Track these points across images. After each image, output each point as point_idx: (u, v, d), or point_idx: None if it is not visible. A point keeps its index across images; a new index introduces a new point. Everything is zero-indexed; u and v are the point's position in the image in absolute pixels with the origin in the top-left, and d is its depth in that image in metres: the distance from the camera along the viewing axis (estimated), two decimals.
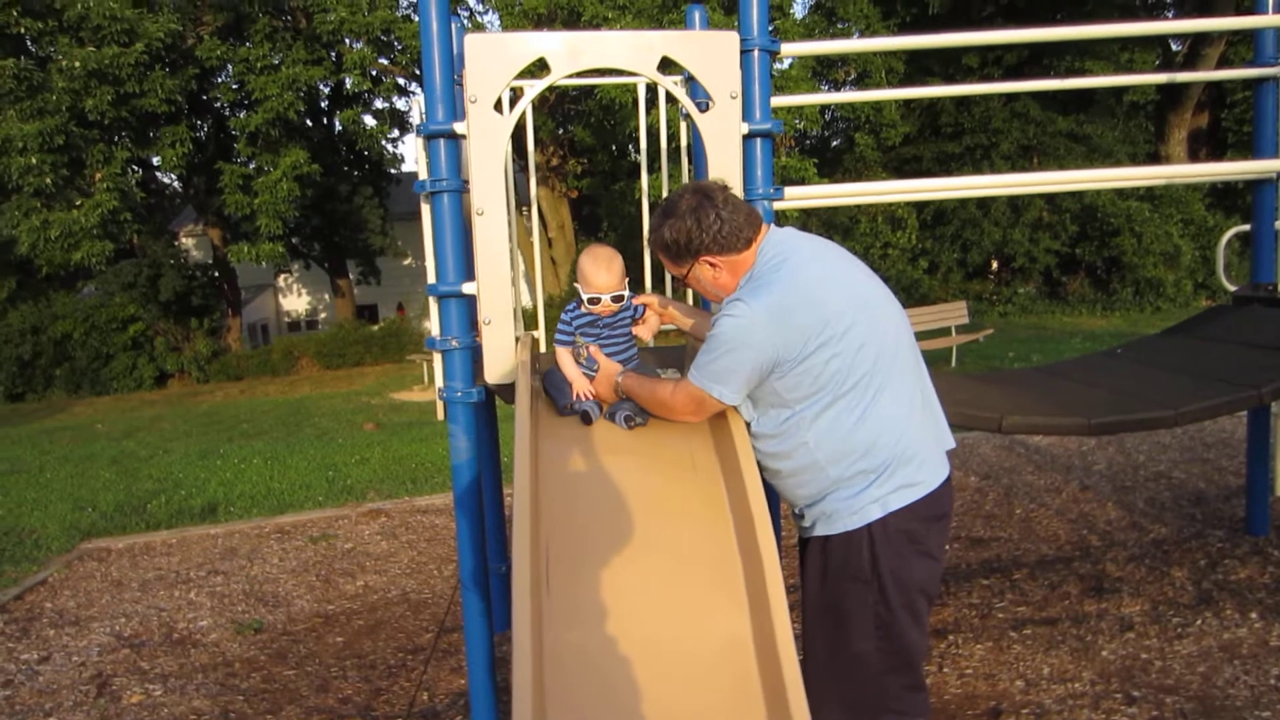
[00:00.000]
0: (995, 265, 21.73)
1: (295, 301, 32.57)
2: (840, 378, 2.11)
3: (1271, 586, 4.01)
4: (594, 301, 2.47)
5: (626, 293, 2.50)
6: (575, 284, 2.53)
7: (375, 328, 23.29)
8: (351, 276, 25.48)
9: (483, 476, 3.11)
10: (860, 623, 2.15)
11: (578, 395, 2.50)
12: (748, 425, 2.30)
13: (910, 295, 19.07)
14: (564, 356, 2.56)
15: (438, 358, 2.92)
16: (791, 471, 2.22)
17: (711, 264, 2.25)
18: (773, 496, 2.53)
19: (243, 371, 21.10)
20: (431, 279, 2.88)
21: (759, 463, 2.25)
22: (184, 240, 26.05)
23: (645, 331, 2.62)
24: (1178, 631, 3.66)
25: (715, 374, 2.18)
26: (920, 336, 13.04)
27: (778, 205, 3.20)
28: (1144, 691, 3.21)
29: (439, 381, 2.97)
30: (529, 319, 3.82)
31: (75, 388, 20.94)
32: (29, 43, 17.15)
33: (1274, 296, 4.12)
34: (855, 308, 2.13)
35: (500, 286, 2.78)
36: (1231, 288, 4.46)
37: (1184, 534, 4.75)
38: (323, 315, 31.01)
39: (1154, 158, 21.70)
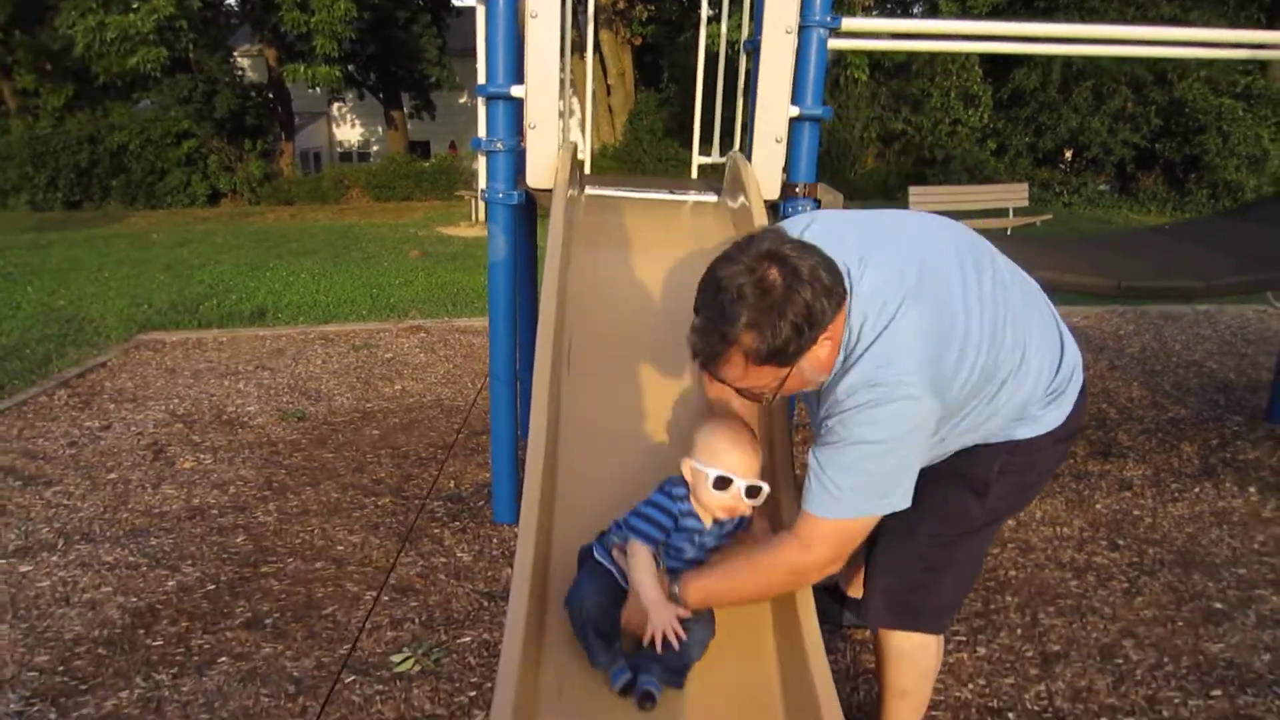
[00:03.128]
0: (1069, 155, 20.95)
1: (348, 132, 32.47)
2: (991, 365, 1.67)
3: (1277, 468, 4.11)
4: (721, 485, 1.72)
5: (766, 490, 1.78)
6: (687, 460, 1.78)
7: (426, 164, 23.24)
8: (406, 110, 25.26)
9: (518, 282, 3.25)
10: (992, 533, 2.02)
11: (649, 639, 1.68)
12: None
13: (974, 176, 18.51)
14: (642, 559, 1.74)
15: (482, 158, 3.02)
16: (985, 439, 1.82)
17: (828, 338, 1.56)
18: None
19: (293, 196, 21.33)
20: (481, 80, 2.94)
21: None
22: (239, 60, 25.84)
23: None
24: (1174, 496, 3.79)
25: (875, 491, 1.60)
26: (974, 215, 12.73)
27: (834, 44, 3.12)
28: (1128, 541, 3.38)
29: (481, 182, 3.08)
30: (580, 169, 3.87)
31: (131, 200, 21.35)
32: None
33: None
34: (959, 296, 1.65)
35: (548, 91, 2.84)
36: None
37: (1202, 416, 4.83)
38: (375, 148, 30.94)
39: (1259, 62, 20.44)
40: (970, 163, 18.79)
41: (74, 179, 21.41)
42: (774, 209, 3.03)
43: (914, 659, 1.98)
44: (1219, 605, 2.95)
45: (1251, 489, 3.87)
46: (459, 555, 3.16)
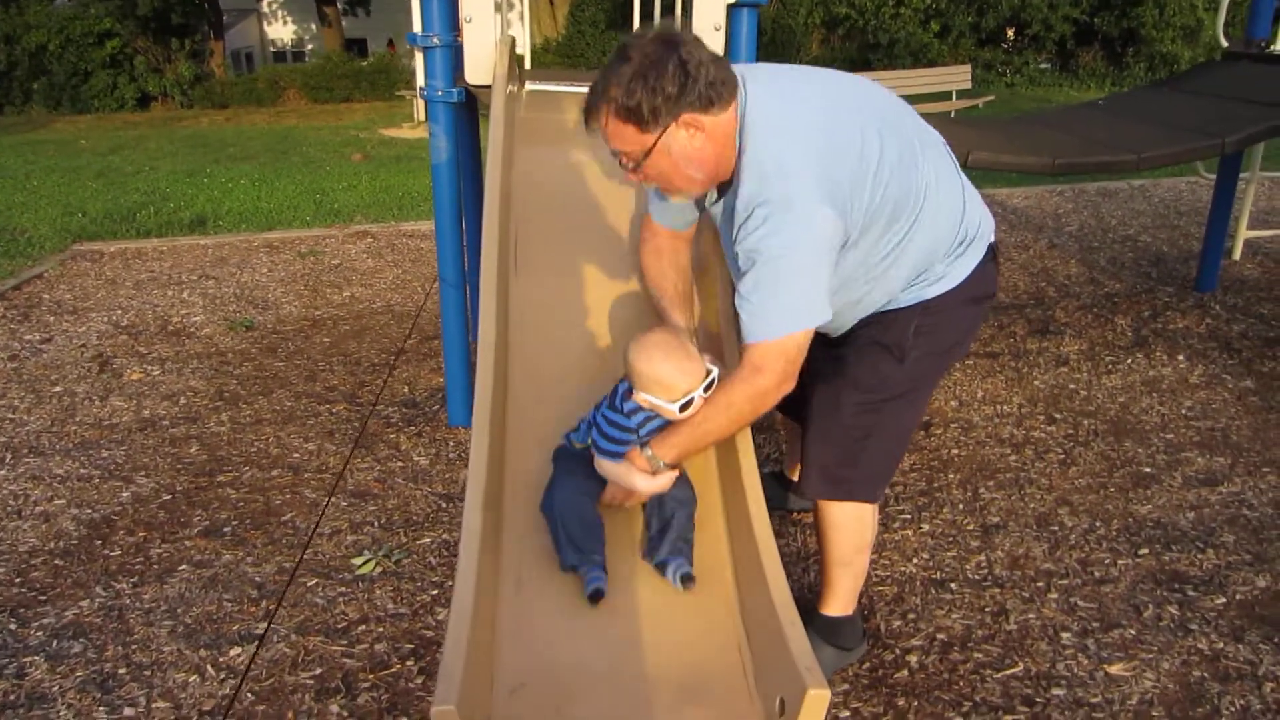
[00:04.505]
0: (1010, 34, 20.82)
1: (280, 30, 31.10)
2: (894, 203, 1.73)
3: (1204, 335, 4.28)
4: (685, 407, 1.80)
5: (717, 370, 1.86)
6: (645, 393, 1.82)
7: (364, 62, 22.43)
8: (340, 6, 24.23)
9: (464, 184, 3.21)
10: (927, 397, 2.05)
11: (584, 516, 1.86)
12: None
13: (918, 60, 18.43)
14: (615, 466, 1.87)
15: (419, 54, 2.94)
16: (884, 295, 1.90)
17: (690, 126, 1.66)
18: None
19: (227, 99, 20.54)
20: None
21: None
22: None
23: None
24: (1108, 368, 3.94)
25: (797, 307, 1.68)
26: (918, 99, 12.70)
27: None
28: (1064, 414, 3.52)
29: (419, 80, 3.00)
30: (519, 63, 3.78)
31: (55, 104, 20.43)
32: None
33: (1264, 54, 4.09)
34: (874, 130, 1.71)
35: None
36: (1225, 43, 4.41)
37: (1136, 289, 4.98)
38: (309, 47, 29.72)
39: None
40: (914, 46, 18.63)
41: None
42: None
43: (850, 530, 2.05)
44: (1148, 469, 3.11)
45: (1180, 357, 4.03)
46: (415, 459, 3.20)
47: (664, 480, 1.84)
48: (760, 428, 3.26)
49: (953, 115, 12.34)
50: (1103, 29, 19.49)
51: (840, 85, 1.82)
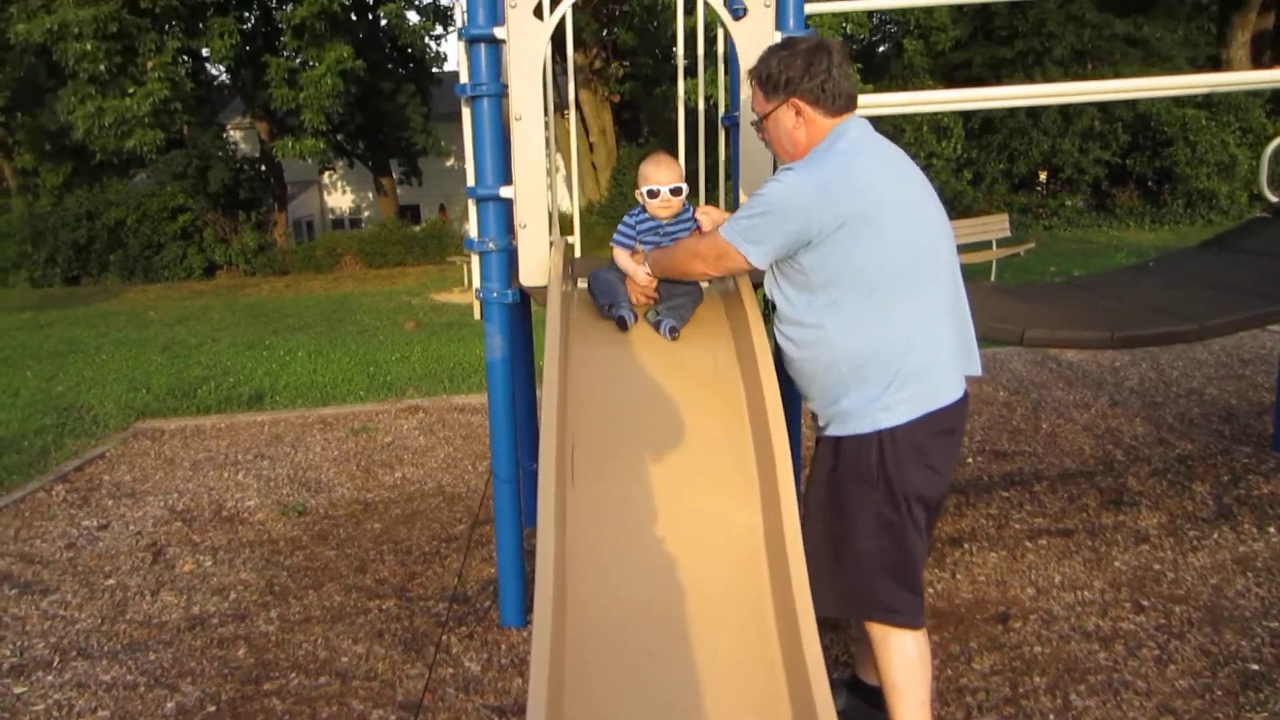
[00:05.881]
0: (1043, 176, 21.16)
1: (340, 199, 32.74)
2: (869, 272, 2.09)
3: None
4: (653, 195, 2.55)
5: (684, 187, 2.60)
6: (638, 190, 2.60)
7: (417, 228, 23.43)
8: (394, 176, 25.52)
9: (516, 376, 3.22)
10: (863, 523, 2.20)
11: (617, 279, 2.61)
12: (773, 308, 2.32)
13: (953, 207, 18.72)
14: (621, 254, 2.63)
15: (476, 259, 3.00)
16: (809, 363, 2.23)
17: (798, 110, 2.20)
18: (792, 403, 2.61)
19: (288, 266, 21.44)
20: (471, 182, 2.94)
21: (783, 352, 2.29)
22: (232, 133, 26.14)
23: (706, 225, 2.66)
24: (1193, 544, 3.72)
25: (746, 231, 2.18)
26: (959, 250, 12.96)
27: None
28: (1153, 601, 3.30)
29: (476, 282, 3.06)
30: (567, 223, 3.88)
31: (129, 274, 21.49)
32: None
33: None
34: (900, 206, 2.12)
35: (536, 191, 2.83)
36: (1274, 198, 4.36)
37: (1210, 450, 4.78)
38: (366, 214, 31.18)
39: (1215, 62, 20.79)
40: (949, 194, 18.96)
41: (72, 255, 21.65)
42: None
43: (892, 649, 2.21)
44: (1255, 666, 2.87)
45: (1271, 529, 3.80)
46: (467, 665, 3.08)
47: (644, 272, 2.57)
48: (828, 626, 3.09)
49: (994, 264, 12.43)
50: (1136, 169, 19.71)
51: (913, 177, 2.21)
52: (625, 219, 2.65)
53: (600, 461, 2.36)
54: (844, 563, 2.22)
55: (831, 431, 2.25)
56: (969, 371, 2.26)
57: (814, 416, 2.36)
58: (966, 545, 3.83)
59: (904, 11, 18.95)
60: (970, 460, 4.87)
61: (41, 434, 6.10)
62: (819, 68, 2.15)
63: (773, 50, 2.25)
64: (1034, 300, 3.92)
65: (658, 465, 2.33)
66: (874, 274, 2.10)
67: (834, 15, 13.29)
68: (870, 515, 2.19)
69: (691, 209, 2.68)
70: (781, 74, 2.18)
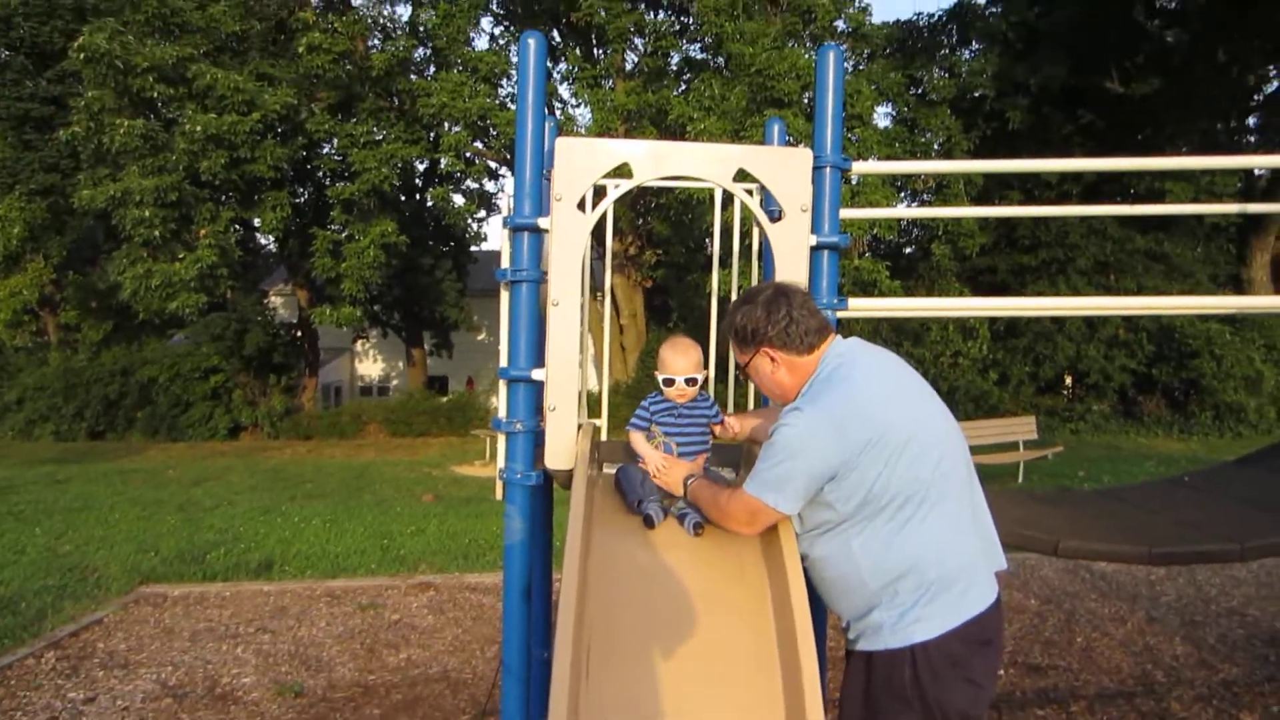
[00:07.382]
0: (1069, 381, 21.26)
1: (370, 367, 33.38)
2: (889, 493, 2.12)
3: None
4: (669, 383, 2.60)
5: (700, 377, 2.63)
6: (656, 373, 2.65)
7: (443, 399, 23.68)
8: (426, 347, 26.08)
9: (534, 561, 3.14)
10: None
11: (645, 476, 2.59)
12: (796, 533, 2.30)
13: (979, 406, 18.75)
14: (637, 438, 2.66)
15: (501, 437, 2.99)
16: (836, 581, 2.22)
17: (771, 358, 2.31)
18: (819, 608, 2.51)
19: (312, 431, 21.58)
20: (504, 362, 2.97)
21: (806, 569, 2.24)
22: (273, 298, 27.01)
23: (723, 432, 2.70)
24: None
25: (770, 482, 2.19)
26: (986, 450, 12.73)
27: (841, 314, 3.21)
28: None
29: (500, 461, 3.04)
30: (595, 403, 3.90)
31: (154, 432, 21.64)
32: (159, 106, 18.30)
33: None
34: (909, 425, 2.16)
35: (568, 375, 2.85)
36: None
37: (1256, 676, 4.54)
38: (394, 382, 31.69)
39: (1235, 280, 21.26)
40: (975, 393, 19.02)
41: (100, 410, 21.85)
42: None
43: None
44: None
45: None
46: None
47: (659, 460, 2.56)
48: None
49: (1021, 465, 12.30)
50: (1161, 379, 19.78)
51: (911, 384, 2.32)
52: (643, 403, 2.70)
53: (617, 658, 2.25)
54: None
55: (862, 646, 2.21)
56: (996, 567, 2.24)
57: (844, 628, 2.28)
58: None
59: (932, 218, 19.69)
60: (1002, 672, 4.63)
61: (41, 595, 5.98)
62: (778, 315, 2.27)
63: (736, 305, 2.39)
64: (1067, 508, 3.84)
65: (676, 669, 2.22)
66: (894, 494, 2.13)
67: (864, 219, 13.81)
68: None
69: (711, 399, 2.74)
70: (746, 326, 2.32)
